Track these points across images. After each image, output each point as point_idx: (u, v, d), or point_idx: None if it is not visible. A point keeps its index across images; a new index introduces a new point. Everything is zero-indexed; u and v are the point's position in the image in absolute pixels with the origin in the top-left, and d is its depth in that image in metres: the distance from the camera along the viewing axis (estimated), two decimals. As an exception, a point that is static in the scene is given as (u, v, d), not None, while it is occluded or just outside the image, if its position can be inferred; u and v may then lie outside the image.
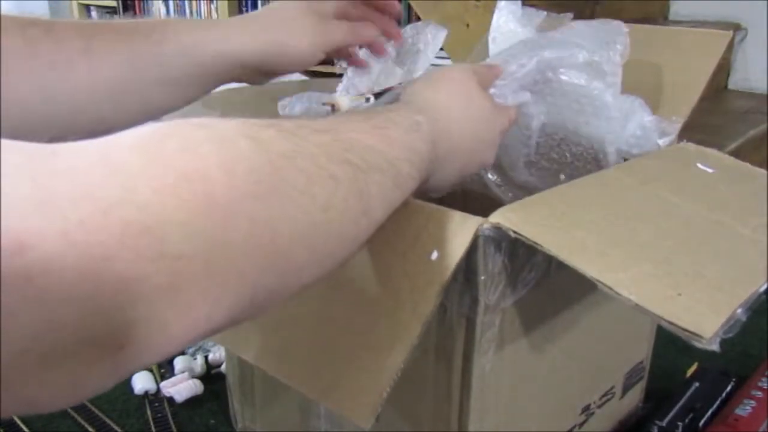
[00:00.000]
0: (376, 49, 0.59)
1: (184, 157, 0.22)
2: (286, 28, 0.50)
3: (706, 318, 0.31)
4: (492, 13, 0.64)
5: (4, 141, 0.19)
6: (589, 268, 0.35)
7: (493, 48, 0.62)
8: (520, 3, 0.65)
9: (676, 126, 0.57)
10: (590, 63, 0.55)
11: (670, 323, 0.31)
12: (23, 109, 0.41)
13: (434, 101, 0.43)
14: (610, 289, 0.34)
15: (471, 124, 0.45)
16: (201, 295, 0.21)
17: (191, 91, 0.49)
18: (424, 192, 0.43)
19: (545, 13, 0.65)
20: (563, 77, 0.55)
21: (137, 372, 0.22)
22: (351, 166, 0.30)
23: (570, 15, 0.67)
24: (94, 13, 2.80)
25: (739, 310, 0.32)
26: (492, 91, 0.51)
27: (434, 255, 0.40)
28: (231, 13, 2.26)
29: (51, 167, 0.19)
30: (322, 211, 0.27)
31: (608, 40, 0.56)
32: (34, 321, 0.18)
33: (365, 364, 0.40)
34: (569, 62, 0.55)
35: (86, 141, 0.21)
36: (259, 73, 0.51)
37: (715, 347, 0.29)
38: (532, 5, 0.65)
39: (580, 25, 0.59)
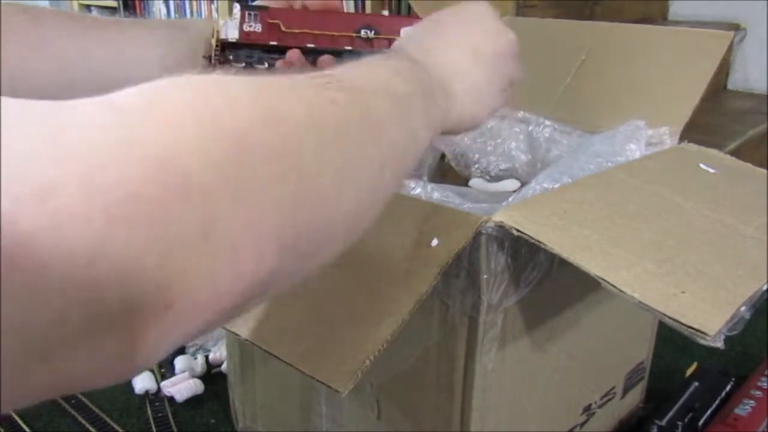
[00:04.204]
0: None
1: (188, 91, 0.22)
2: None
3: (710, 315, 0.31)
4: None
5: (20, 100, 0.18)
6: (593, 267, 0.35)
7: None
8: None
9: (677, 129, 0.58)
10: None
11: (674, 321, 0.31)
12: None
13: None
14: (614, 287, 0.34)
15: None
16: (239, 231, 0.20)
17: None
18: (450, 129, 0.42)
19: None
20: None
21: (185, 340, 0.21)
22: (347, 91, 0.29)
23: None
24: (94, 13, 2.80)
25: (743, 308, 0.32)
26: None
27: (434, 242, 0.40)
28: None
29: (65, 121, 0.19)
30: (333, 133, 0.26)
31: (626, 144, 0.56)
32: (70, 278, 0.17)
33: (350, 334, 0.39)
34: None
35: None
36: None
37: (719, 344, 0.29)
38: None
39: (603, 135, 0.59)
